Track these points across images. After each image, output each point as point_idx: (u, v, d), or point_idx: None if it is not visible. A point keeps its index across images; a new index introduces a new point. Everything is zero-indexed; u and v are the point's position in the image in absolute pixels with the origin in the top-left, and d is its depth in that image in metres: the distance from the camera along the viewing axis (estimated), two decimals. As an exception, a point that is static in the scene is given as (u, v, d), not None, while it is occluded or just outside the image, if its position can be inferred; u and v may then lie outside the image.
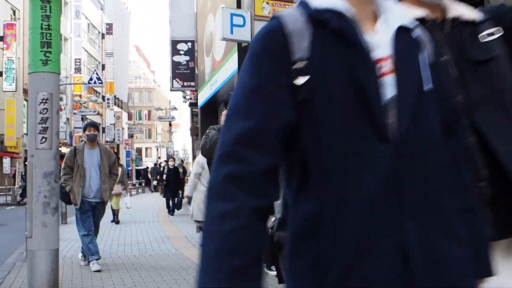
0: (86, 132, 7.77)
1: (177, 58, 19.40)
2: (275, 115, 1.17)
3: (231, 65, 11.16)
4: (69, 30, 52.59)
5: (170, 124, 50.60)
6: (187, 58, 19.37)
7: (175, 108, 47.86)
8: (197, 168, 10.01)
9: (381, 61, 1.19)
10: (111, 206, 13.94)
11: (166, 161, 28.57)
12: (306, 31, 1.19)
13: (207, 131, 4.69)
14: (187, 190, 10.39)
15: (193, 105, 22.79)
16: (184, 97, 23.68)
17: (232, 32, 9.04)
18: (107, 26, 65.18)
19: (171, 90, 19.66)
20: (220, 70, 12.34)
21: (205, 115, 15.81)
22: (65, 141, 47.52)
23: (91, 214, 7.64)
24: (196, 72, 18.95)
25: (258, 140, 1.16)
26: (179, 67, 19.31)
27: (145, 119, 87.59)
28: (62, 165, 7.50)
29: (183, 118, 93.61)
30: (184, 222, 14.53)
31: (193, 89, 19.42)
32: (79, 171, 7.49)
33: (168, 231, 12.58)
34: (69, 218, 16.78)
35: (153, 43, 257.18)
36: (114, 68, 64.68)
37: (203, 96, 15.12)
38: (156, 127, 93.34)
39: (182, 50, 19.39)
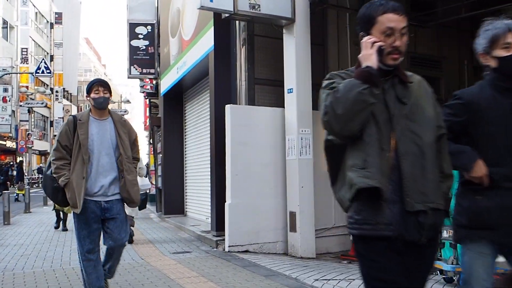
0: (93, 94, 4.88)
1: (135, 43, 17.72)
2: None
3: (205, 42, 9.69)
4: (15, 18, 49.95)
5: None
6: (147, 42, 17.72)
7: (128, 101, 45.61)
8: None
9: None
10: (58, 210, 11.78)
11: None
12: None
13: (328, 80, 2.48)
14: None
15: (151, 95, 21.13)
16: (142, 87, 21.96)
17: (212, 0, 7.58)
18: (56, 15, 62.74)
19: (128, 78, 17.95)
20: (190, 51, 10.83)
21: (168, 103, 14.21)
22: (10, 134, 44.92)
23: (99, 226, 4.82)
24: (156, 60, 17.37)
25: None
26: (138, 52, 17.65)
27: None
28: (54, 145, 4.88)
29: (134, 112, 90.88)
30: (147, 224, 12.96)
31: (153, 76, 17.78)
32: (81, 154, 4.71)
33: (128, 234, 11.01)
34: (13, 217, 15.01)
35: (104, 36, 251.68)
36: (63, 59, 62.41)
37: (167, 82, 13.55)
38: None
39: (141, 34, 17.73)
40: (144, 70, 17.65)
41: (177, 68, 12.08)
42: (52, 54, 60.92)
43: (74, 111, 68.31)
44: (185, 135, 14.09)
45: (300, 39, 8.16)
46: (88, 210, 4.72)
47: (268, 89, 9.02)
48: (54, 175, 4.74)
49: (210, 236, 9.09)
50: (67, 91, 66.74)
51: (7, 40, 47.14)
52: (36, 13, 56.93)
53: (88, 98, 4.98)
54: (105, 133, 4.88)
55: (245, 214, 8.15)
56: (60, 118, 60.74)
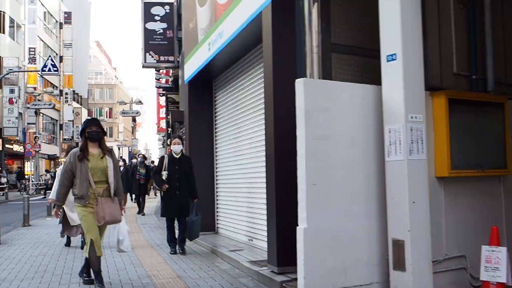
0: None
1: (151, 26, 15.10)
2: None
3: (257, -5, 6.90)
4: (23, 16, 47.58)
5: (134, 120, 45.82)
6: (164, 25, 15.11)
7: (140, 102, 42.96)
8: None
9: None
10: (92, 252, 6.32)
11: (130, 160, 24.30)
12: None
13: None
14: (51, 193, 9.94)
15: (167, 90, 18.45)
16: (157, 80, 19.32)
17: None
18: (66, 15, 60.67)
19: (143, 67, 15.27)
20: (230, 16, 8.06)
21: (195, 92, 11.33)
22: (17, 138, 42.43)
23: None
24: (176, 46, 14.69)
25: None
26: (154, 37, 15.03)
27: (106, 117, 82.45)
28: None
29: (146, 117, 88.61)
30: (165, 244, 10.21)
31: (172, 65, 15.07)
32: None
33: (144, 259, 8.25)
34: (6, 234, 12.35)
35: (114, 39, 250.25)
36: (73, 60, 60.13)
37: (194, 65, 10.78)
38: (118, 125, 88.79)
39: (158, 15, 15.13)
40: (162, 58, 15.00)
41: (209, 44, 9.33)
42: (61, 55, 58.64)
43: (84, 115, 65.99)
44: (215, 132, 11.32)
45: (406, -20, 5.40)
46: None
47: (350, 59, 6.26)
48: None
49: (269, 273, 6.30)
50: (77, 93, 64.47)
51: (14, 39, 44.79)
52: (44, 12, 54.70)
53: None
54: None
55: (328, 243, 5.38)
56: (70, 121, 58.45)
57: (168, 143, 18.78)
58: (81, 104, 66.48)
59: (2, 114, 38.27)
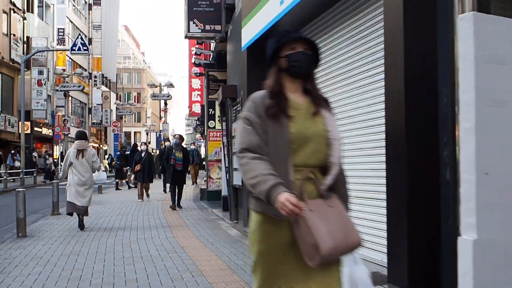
0: None
1: (195, -10, 13.31)
2: None
3: None
4: (52, -5, 46.32)
5: (165, 103, 44.24)
6: (211, -12, 13.33)
7: (171, 85, 41.21)
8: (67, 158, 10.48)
9: None
10: None
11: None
12: None
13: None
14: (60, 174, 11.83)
15: (209, 66, 16.67)
16: (198, 55, 17.62)
17: None
18: (95, -4, 59.35)
19: (185, 37, 13.57)
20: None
21: (255, 60, 9.44)
22: (46, 121, 41.29)
23: None
24: (223, 13, 13.02)
25: None
26: (199, 2, 13.23)
27: (135, 101, 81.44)
28: None
29: (173, 103, 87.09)
30: (223, 242, 8.50)
31: (219, 35, 13.28)
32: None
33: (202, 263, 6.51)
34: (33, 224, 10.77)
35: (143, 25, 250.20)
36: (102, 43, 59.00)
37: (255, 27, 8.89)
38: (146, 110, 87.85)
39: (204, -23, 13.32)
40: (207, 27, 13.23)
41: (282, -4, 7.47)
42: (90, 37, 57.43)
43: (113, 98, 64.94)
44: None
45: None
46: None
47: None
48: None
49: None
50: (106, 77, 63.36)
51: (42, 20, 43.58)
52: (73, -7, 53.55)
53: None
54: None
55: (503, 261, 3.57)
56: (99, 105, 57.41)
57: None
58: (109, 88, 65.43)
59: (30, 97, 37.02)
